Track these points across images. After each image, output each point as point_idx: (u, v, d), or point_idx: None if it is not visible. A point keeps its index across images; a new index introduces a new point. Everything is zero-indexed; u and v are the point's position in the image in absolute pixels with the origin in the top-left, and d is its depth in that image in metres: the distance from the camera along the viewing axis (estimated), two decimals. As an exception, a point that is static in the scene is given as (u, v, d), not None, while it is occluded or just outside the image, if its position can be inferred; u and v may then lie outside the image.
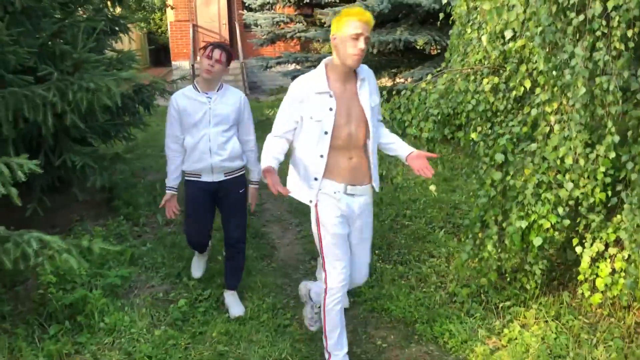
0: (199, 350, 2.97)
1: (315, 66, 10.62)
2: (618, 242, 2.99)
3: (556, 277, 3.55)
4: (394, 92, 4.16)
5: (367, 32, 2.45)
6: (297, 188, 2.66)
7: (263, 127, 5.41)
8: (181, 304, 3.38)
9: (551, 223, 3.02)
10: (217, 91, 3.23)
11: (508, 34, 3.33)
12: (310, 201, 2.61)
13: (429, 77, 3.98)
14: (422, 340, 3.05)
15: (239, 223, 3.35)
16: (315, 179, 2.57)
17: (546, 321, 3.10)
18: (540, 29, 2.90)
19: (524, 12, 3.13)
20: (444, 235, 4.43)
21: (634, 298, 3.03)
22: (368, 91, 2.61)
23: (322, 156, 2.55)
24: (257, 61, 11.25)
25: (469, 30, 3.91)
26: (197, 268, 3.73)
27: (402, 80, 9.08)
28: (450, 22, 4.60)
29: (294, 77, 10.33)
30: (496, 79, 3.53)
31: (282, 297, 3.60)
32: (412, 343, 3.04)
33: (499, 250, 3.28)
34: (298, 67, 10.53)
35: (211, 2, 15.00)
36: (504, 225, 3.20)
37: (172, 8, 12.25)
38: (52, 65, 3.54)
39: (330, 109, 2.52)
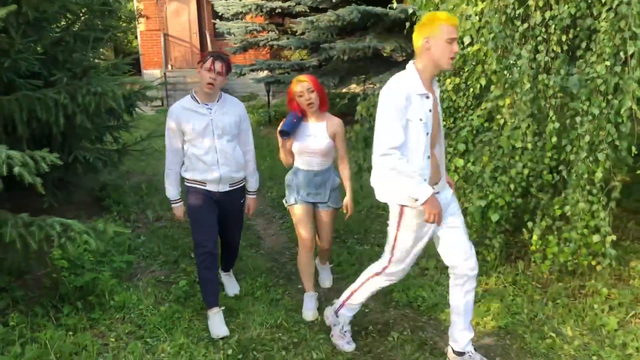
0: (203, 321, 3.33)
1: (288, 72, 10.83)
2: (562, 217, 3.50)
3: (513, 252, 4.05)
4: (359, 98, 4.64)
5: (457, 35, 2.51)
6: (399, 193, 2.58)
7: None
8: (182, 284, 3.73)
9: (506, 201, 3.51)
10: (217, 102, 3.20)
11: (466, 40, 3.83)
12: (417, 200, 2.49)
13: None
14: (399, 305, 3.50)
15: (238, 226, 3.58)
16: (425, 179, 2.52)
17: (505, 286, 3.59)
18: (492, 35, 3.41)
19: (479, 21, 3.65)
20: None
21: (577, 265, 3.54)
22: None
23: (429, 157, 2.55)
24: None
25: (432, 37, 4.39)
26: (219, 323, 3.22)
27: (371, 85, 9.54)
28: (415, 30, 5.08)
29: (267, 83, 10.69)
30: (457, 80, 4.02)
31: (272, 277, 3.99)
32: (391, 308, 3.48)
33: (463, 227, 3.75)
34: (270, 73, 10.89)
35: (182, 11, 15.31)
36: (466, 205, 3.68)
37: (147, 18, 12.51)
38: (54, 70, 3.87)
39: (430, 110, 2.52)
